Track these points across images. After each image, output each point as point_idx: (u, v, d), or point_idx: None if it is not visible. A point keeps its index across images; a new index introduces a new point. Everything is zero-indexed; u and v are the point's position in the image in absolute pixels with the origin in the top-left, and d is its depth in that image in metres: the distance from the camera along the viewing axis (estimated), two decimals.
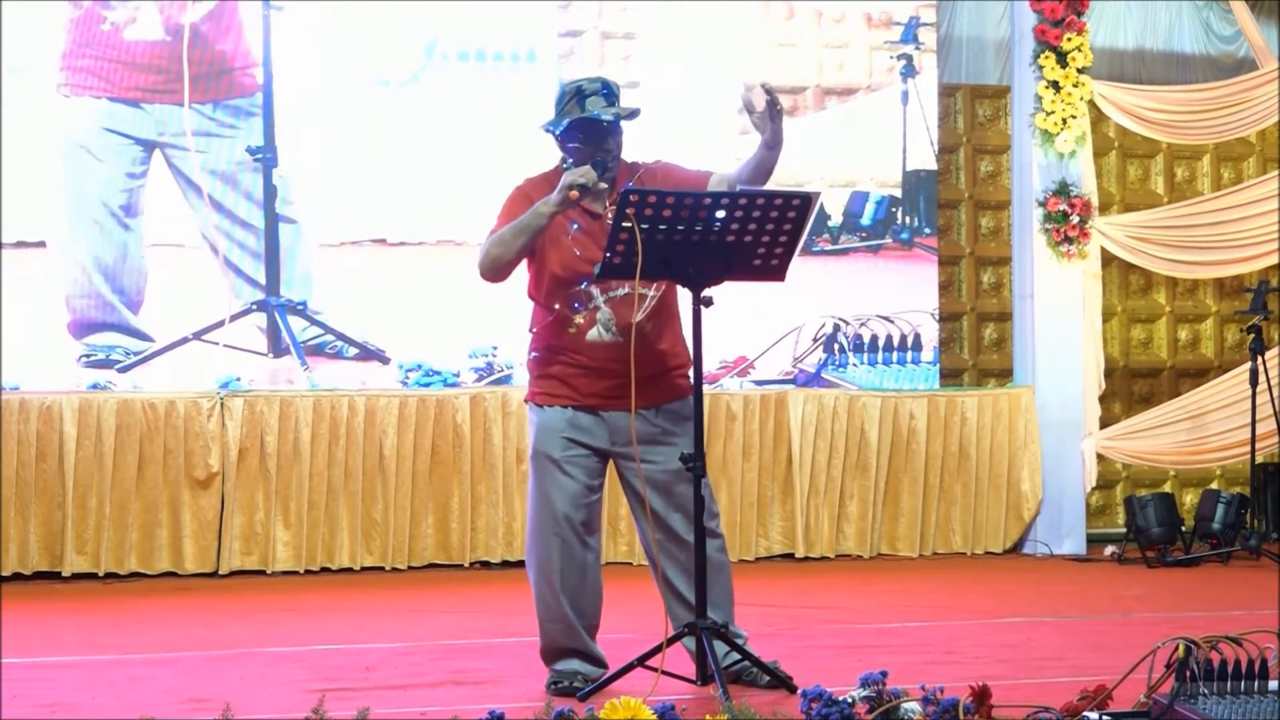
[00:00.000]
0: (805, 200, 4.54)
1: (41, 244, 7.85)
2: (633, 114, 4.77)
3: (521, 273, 4.85)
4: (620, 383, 4.64)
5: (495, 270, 4.74)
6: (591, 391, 4.72)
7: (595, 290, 4.72)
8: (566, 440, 4.75)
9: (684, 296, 4.78)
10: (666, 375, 4.81)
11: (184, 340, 7.98)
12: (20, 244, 7.83)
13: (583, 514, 4.76)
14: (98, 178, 7.93)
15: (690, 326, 4.63)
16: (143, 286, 7.97)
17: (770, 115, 4.62)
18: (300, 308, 8.12)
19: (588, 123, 4.72)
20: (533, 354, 4.86)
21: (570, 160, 4.78)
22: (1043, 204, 8.73)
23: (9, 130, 7.81)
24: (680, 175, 4.84)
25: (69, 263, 7.89)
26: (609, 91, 4.75)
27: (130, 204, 7.96)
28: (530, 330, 4.88)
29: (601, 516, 4.90)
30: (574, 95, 4.74)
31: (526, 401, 4.91)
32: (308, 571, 7.85)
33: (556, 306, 4.76)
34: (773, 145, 4.67)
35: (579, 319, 4.73)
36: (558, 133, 4.80)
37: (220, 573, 7.76)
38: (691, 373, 4.75)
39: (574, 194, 4.58)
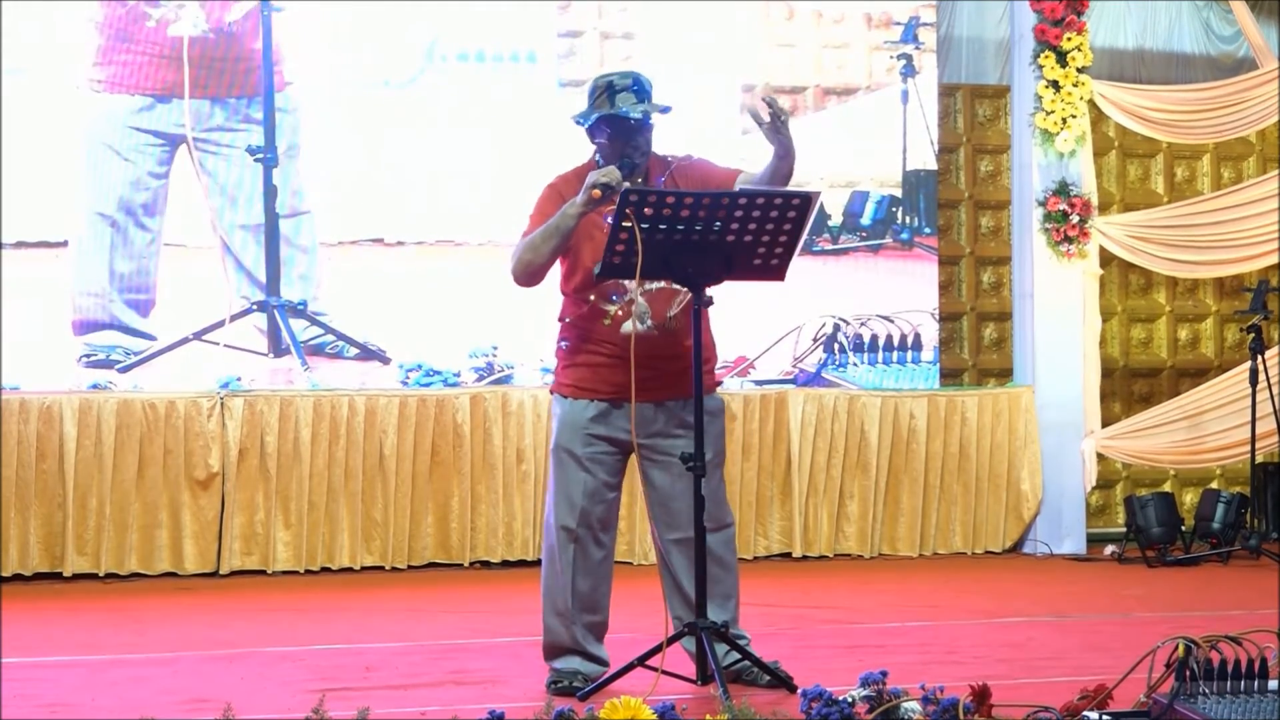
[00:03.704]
0: (805, 200, 4.54)
1: (63, 244, 7.86)
2: (664, 110, 4.77)
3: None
4: (648, 374, 4.65)
5: (528, 274, 4.72)
6: (619, 382, 4.66)
7: (630, 283, 4.68)
8: (589, 436, 4.74)
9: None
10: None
11: (184, 340, 7.98)
12: (41, 244, 7.83)
13: (600, 511, 4.76)
14: (116, 176, 7.92)
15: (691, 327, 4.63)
16: (152, 287, 7.98)
17: (775, 127, 4.62)
18: (300, 308, 8.12)
19: (616, 119, 4.72)
20: (563, 343, 4.84)
21: (600, 155, 4.78)
22: (1042, 204, 8.72)
23: (22, 130, 7.80)
24: (709, 171, 4.85)
25: (76, 263, 7.89)
26: (640, 87, 4.74)
27: (149, 203, 7.96)
28: (561, 320, 4.86)
29: (618, 514, 4.89)
30: (605, 90, 4.74)
31: (552, 392, 4.89)
32: (308, 571, 7.85)
33: (591, 299, 4.73)
34: (783, 156, 4.68)
35: (615, 310, 4.71)
36: (587, 126, 4.80)
37: (220, 573, 7.76)
38: (718, 370, 4.83)
39: (596, 193, 4.56)
